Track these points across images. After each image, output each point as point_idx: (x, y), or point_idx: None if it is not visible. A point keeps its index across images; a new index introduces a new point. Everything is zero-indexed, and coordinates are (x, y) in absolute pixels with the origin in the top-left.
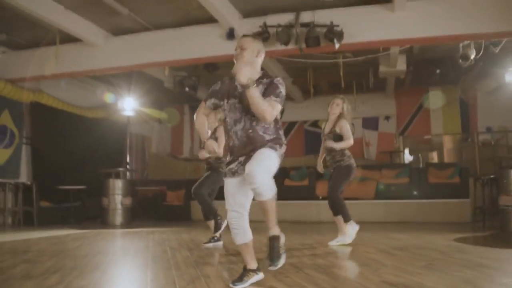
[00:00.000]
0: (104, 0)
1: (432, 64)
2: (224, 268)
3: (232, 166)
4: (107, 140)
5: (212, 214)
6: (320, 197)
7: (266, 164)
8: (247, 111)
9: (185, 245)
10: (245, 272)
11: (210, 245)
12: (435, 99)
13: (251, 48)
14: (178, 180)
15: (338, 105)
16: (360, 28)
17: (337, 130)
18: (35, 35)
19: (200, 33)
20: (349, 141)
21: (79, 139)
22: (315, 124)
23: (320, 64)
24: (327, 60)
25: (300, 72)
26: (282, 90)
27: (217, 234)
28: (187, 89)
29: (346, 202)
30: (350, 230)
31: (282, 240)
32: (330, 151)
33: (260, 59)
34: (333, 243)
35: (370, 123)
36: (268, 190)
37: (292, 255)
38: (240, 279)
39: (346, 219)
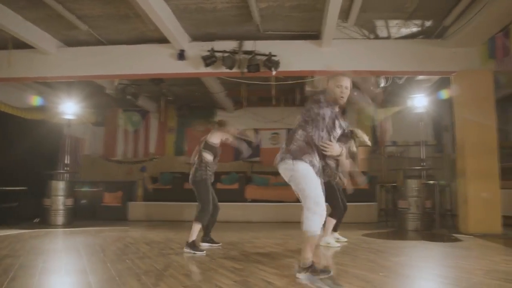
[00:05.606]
0: (66, 17)
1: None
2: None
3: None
4: (46, 141)
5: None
6: (249, 200)
7: None
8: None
9: (141, 241)
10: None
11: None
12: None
13: (351, 86)
14: (115, 182)
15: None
16: (293, 59)
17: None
18: None
19: (152, 52)
20: None
21: (18, 140)
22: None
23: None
24: (261, 82)
25: (234, 86)
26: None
27: None
28: (128, 96)
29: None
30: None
31: None
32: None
33: None
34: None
35: None
36: None
37: (235, 248)
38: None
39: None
